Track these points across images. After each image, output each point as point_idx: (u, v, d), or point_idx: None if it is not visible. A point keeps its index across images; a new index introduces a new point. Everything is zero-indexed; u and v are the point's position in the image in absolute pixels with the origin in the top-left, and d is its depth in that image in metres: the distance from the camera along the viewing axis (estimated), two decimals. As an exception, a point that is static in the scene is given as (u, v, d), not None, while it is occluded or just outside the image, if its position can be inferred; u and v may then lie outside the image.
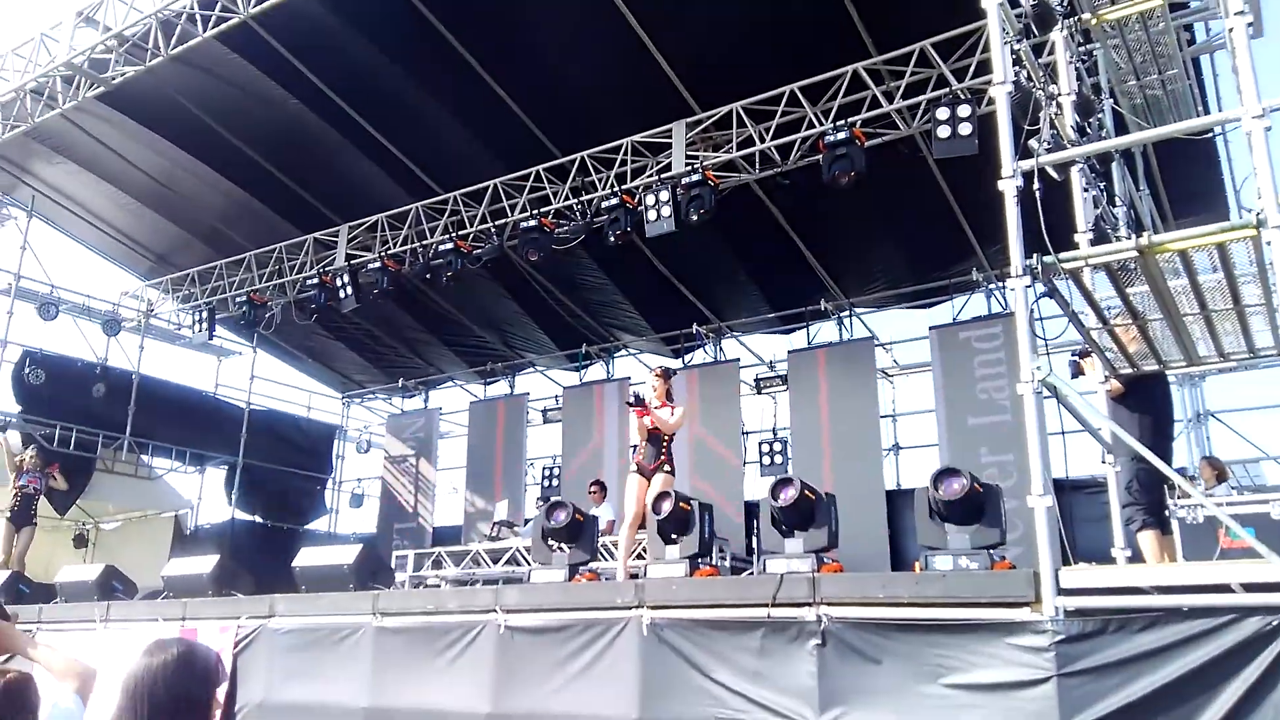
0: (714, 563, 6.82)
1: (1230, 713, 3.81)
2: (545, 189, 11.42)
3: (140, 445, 14.92)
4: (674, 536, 6.43)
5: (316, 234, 13.34)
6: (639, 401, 7.27)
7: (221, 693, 2.53)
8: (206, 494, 16.46)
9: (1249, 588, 3.93)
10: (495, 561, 11.35)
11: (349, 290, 12.23)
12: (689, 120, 10.29)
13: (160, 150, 12.13)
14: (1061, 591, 4.23)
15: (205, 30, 9.62)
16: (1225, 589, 3.98)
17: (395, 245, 12.56)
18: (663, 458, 7.14)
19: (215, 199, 13.09)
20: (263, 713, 7.10)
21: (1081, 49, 6.20)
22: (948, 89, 8.68)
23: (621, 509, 8.59)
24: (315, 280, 12.63)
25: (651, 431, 7.21)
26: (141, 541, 15.57)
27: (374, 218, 12.79)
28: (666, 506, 6.49)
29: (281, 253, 13.74)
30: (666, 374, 7.54)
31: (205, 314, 14.34)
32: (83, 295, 15.16)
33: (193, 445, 15.84)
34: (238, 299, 13.80)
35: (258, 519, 16.75)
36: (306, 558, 8.38)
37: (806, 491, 5.91)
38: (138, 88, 10.72)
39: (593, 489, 11.26)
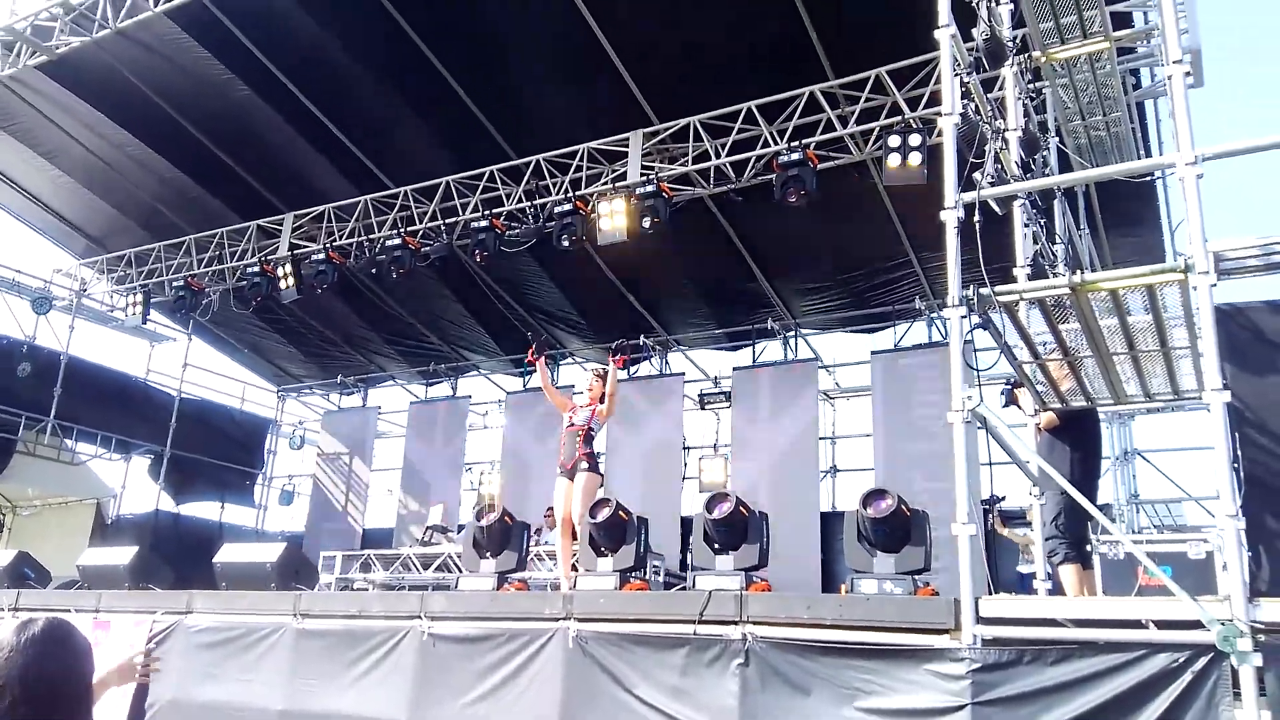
0: (645, 577, 6.74)
1: (1136, 748, 3.86)
2: (498, 190, 11.32)
3: (64, 429, 14.40)
4: (603, 549, 6.32)
5: (260, 221, 13.06)
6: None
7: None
8: (131, 483, 15.97)
9: (1161, 624, 3.99)
10: (426, 567, 11.15)
11: (291, 281, 11.98)
12: (646, 130, 10.30)
13: (102, 128, 11.76)
14: (981, 620, 4.26)
15: (157, 5, 9.38)
16: (1138, 625, 4.04)
17: (341, 237, 12.34)
18: (578, 454, 7.01)
19: (156, 180, 12.73)
20: (175, 710, 6.89)
21: (1031, 86, 6.33)
22: (900, 117, 8.81)
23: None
24: (256, 269, 12.33)
25: (567, 429, 7.16)
26: (60, 528, 15.07)
27: (321, 208, 12.56)
28: (604, 514, 6.32)
29: (223, 239, 13.42)
30: (604, 375, 7.52)
31: (140, 297, 13.91)
32: (12, 270, 14.69)
33: (120, 431, 15.32)
34: (174, 283, 13.44)
35: (182, 511, 16.29)
36: (228, 554, 8.19)
37: (740, 508, 5.89)
38: (82, 60, 10.41)
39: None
